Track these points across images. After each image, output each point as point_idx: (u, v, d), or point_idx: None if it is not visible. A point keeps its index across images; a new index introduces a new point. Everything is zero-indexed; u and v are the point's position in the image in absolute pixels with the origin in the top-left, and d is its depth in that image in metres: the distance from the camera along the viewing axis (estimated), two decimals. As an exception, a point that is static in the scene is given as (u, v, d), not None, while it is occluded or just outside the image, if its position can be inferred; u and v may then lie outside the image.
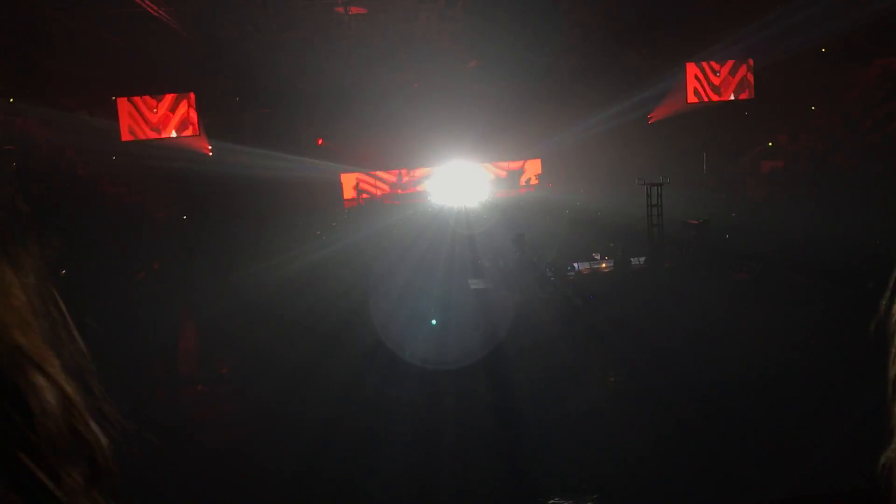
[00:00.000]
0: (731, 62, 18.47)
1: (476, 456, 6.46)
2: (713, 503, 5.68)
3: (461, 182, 19.84)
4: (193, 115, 17.23)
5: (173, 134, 17.21)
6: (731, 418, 6.82)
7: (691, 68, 18.40)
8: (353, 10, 14.51)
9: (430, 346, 9.59)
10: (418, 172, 20.58)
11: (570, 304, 11.42)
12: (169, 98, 17.13)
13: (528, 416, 7.27)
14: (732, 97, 18.73)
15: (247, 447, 7.29)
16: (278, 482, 6.34)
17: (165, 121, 17.17)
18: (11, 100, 14.89)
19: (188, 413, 9.20)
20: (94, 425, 0.71)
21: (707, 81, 18.60)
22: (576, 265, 13.70)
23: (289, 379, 8.67)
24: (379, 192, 20.50)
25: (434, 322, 10.86)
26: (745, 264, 12.32)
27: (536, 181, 20.96)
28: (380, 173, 20.40)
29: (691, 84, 18.55)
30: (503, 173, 20.73)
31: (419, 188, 20.61)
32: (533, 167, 20.90)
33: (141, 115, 17.05)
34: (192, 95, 17.24)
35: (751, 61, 18.43)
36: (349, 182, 20.11)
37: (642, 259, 13.77)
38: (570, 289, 12.32)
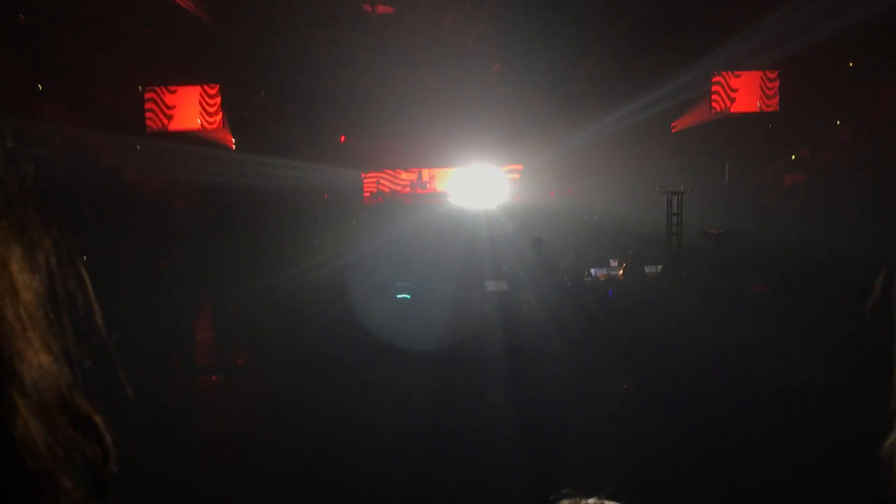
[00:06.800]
0: (757, 73, 18.37)
1: (489, 455, 6.48)
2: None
3: (481, 184, 19.83)
4: (218, 108, 17.34)
5: (197, 125, 17.35)
6: (747, 430, 6.79)
7: (717, 78, 18.32)
8: (381, 9, 14.55)
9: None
10: (438, 173, 20.60)
11: (586, 309, 11.40)
12: (195, 90, 17.26)
13: (541, 420, 7.27)
14: (757, 109, 18.62)
15: (258, 436, 7.34)
16: (288, 472, 6.38)
17: (190, 112, 17.30)
18: (40, 86, 15.07)
19: (201, 402, 9.28)
20: (97, 427, 0.70)
21: (732, 92, 18.50)
22: (593, 271, 13.68)
23: (305, 371, 8.73)
24: (399, 192, 20.53)
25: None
26: (764, 276, 12.25)
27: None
28: (400, 172, 20.44)
29: (716, 94, 18.46)
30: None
31: (439, 189, 20.63)
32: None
33: (166, 105, 17.20)
34: (218, 88, 17.36)
35: (777, 73, 18.32)
36: (370, 180, 20.16)
37: (659, 267, 13.73)
38: (586, 294, 12.30)
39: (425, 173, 20.59)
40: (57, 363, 0.68)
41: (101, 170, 15.73)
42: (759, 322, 10.09)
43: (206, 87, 17.24)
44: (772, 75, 18.37)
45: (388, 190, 20.34)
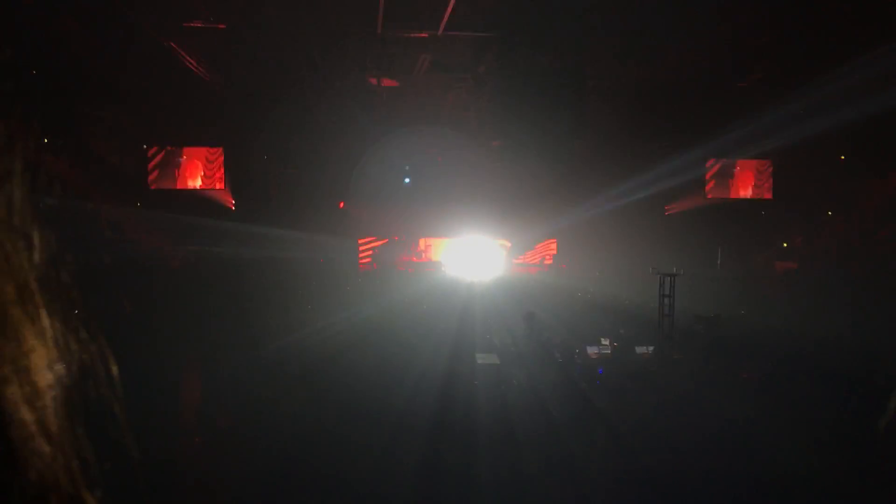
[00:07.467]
0: (751, 162, 18.78)
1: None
2: None
3: (475, 256, 20.00)
4: (221, 169, 17.57)
5: (199, 185, 17.54)
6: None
7: (711, 164, 18.71)
8: (386, 82, 14.90)
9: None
10: (434, 243, 20.79)
11: (575, 387, 11.40)
12: (198, 150, 17.51)
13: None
14: (751, 196, 18.97)
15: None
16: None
17: (193, 172, 17.51)
18: (45, 140, 15.23)
19: (183, 464, 9.16)
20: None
21: (726, 178, 18.88)
22: (584, 348, 13.70)
23: (289, 437, 8.67)
24: (393, 259, 20.67)
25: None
26: (754, 363, 12.28)
27: (550, 261, 21.10)
28: (396, 240, 20.63)
29: (711, 180, 18.82)
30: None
31: (434, 258, 20.78)
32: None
33: (170, 164, 17.43)
34: (221, 150, 17.61)
35: (770, 162, 18.74)
36: (365, 247, 20.33)
37: (650, 348, 13.76)
38: (577, 371, 12.30)
39: (421, 242, 20.77)
40: (78, 460, 0.72)
41: (101, 227, 15.83)
42: (749, 409, 10.09)
43: (210, 149, 17.51)
44: (765, 164, 18.79)
45: (383, 257, 20.47)
